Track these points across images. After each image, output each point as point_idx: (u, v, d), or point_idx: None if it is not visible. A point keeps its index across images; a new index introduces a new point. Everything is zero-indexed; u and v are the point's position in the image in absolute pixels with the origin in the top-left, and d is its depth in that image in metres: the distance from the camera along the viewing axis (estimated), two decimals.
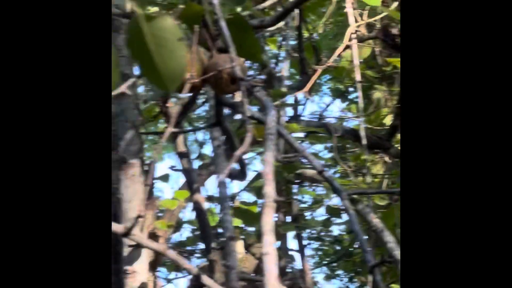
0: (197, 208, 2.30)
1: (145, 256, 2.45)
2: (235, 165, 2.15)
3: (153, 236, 2.68)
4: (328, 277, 4.79)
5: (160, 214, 3.13)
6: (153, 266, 2.73)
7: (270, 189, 1.28)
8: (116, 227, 1.80)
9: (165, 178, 3.39)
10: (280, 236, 3.56)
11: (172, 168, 2.86)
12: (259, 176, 2.78)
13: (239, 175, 2.23)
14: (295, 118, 3.87)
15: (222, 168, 2.06)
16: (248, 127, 1.35)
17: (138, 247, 2.05)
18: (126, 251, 2.43)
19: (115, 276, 2.87)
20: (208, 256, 2.16)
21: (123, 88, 1.75)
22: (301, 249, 3.81)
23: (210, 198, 3.33)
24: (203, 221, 2.27)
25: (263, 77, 3.29)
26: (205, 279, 1.79)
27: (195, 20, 1.11)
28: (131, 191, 2.52)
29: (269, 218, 1.27)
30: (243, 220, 2.52)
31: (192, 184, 2.35)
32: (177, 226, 3.70)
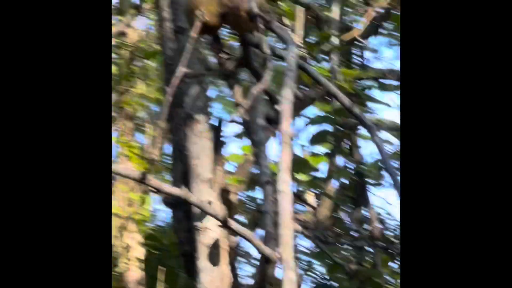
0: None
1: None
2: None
3: (225, 191, 2.66)
4: None
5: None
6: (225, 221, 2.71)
7: (287, 125, 1.23)
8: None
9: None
10: None
11: (232, 121, 2.81)
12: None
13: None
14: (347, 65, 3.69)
15: (260, 114, 2.00)
16: (268, 64, 1.29)
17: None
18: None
19: (187, 233, 2.88)
20: None
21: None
22: None
23: None
24: None
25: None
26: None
27: None
28: (198, 147, 2.50)
29: (287, 156, 1.22)
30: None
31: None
32: (251, 182, 3.66)
